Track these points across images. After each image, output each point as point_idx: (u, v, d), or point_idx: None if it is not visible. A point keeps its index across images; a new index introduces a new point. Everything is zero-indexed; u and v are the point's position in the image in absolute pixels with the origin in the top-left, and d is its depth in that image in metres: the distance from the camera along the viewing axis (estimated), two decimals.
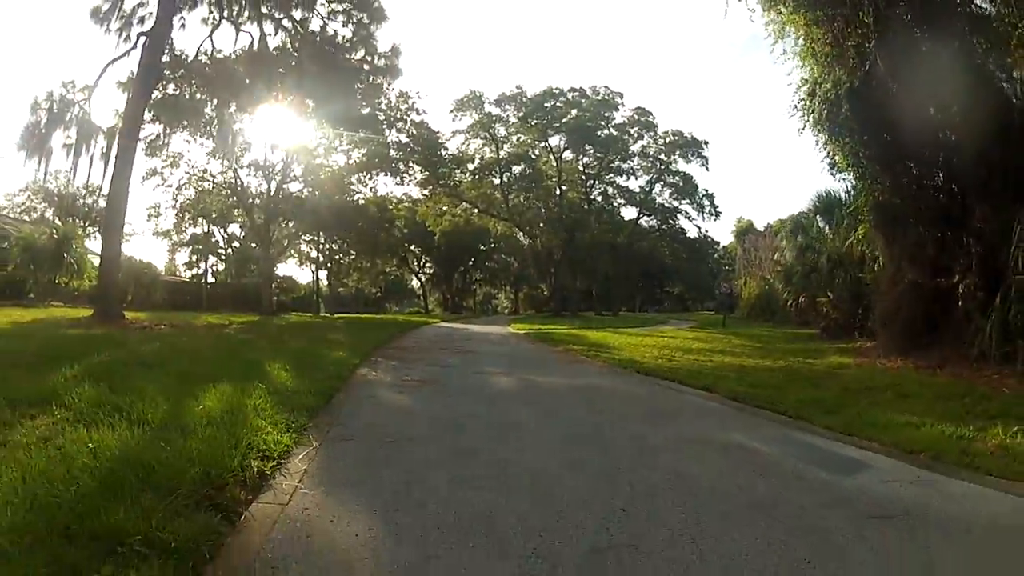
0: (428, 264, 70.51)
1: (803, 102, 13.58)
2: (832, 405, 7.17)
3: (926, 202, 12.60)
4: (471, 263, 70.88)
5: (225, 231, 49.08)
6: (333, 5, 25.47)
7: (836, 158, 13.81)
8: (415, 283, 77.94)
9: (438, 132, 39.68)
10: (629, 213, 57.17)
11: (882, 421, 6.23)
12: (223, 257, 52.14)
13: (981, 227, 11.11)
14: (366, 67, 29.04)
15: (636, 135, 50.41)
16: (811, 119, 13.37)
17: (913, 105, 11.49)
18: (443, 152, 40.84)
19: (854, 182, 15.03)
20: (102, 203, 47.20)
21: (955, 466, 4.84)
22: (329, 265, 49.16)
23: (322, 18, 25.80)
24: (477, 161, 48.91)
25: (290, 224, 39.97)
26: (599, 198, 55.20)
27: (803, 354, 13.80)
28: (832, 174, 16.84)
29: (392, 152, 35.94)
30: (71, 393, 5.89)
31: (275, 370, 8.49)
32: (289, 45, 25.16)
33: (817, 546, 3.19)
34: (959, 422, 6.12)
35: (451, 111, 47.72)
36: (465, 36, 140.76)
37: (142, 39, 21.41)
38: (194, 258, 52.88)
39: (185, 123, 28.17)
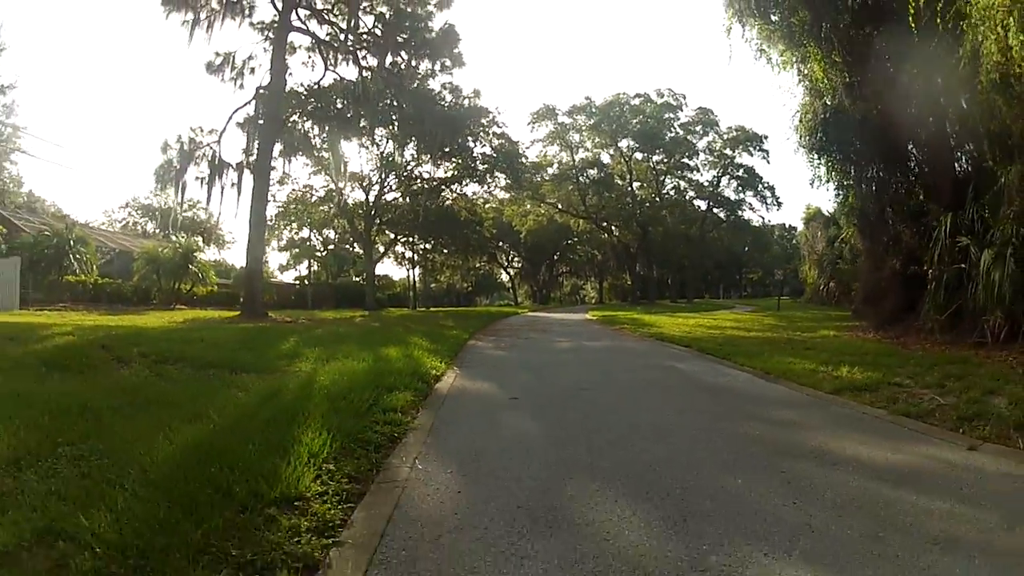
0: (516, 259, 74.93)
1: (796, 127, 17.28)
2: (758, 354, 10.99)
3: (898, 203, 15.40)
4: (556, 257, 74.95)
5: (320, 235, 52.38)
6: (417, 50, 29.53)
7: (820, 172, 17.24)
8: (504, 277, 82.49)
9: (518, 141, 43.60)
10: (701, 205, 60.16)
11: (776, 362, 9.88)
12: (320, 259, 55.26)
13: (935, 224, 13.08)
14: (449, 98, 34.34)
15: (701, 132, 53.54)
16: (800, 141, 17.11)
17: (879, 126, 14.39)
18: (523, 159, 44.65)
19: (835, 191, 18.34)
20: (201, 216, 53.63)
21: (785, 380, 8.57)
22: (423, 263, 53.31)
23: (410, 64, 30.11)
24: (555, 166, 52.97)
25: (386, 230, 45.23)
26: (672, 192, 58.42)
27: (808, 330, 16.83)
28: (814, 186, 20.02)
29: (478, 164, 40.55)
30: (302, 355, 10.28)
31: (416, 341, 13.29)
32: (383, 85, 29.51)
33: (680, 399, 7.61)
34: (830, 366, 8.94)
35: (528, 123, 51.88)
36: (536, 53, 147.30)
37: (258, 89, 26.10)
38: (291, 261, 56.01)
39: (300, 153, 33.75)
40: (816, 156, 16.81)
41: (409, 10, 27.10)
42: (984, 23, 7.51)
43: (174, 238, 39.37)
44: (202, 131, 28.76)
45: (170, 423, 4.73)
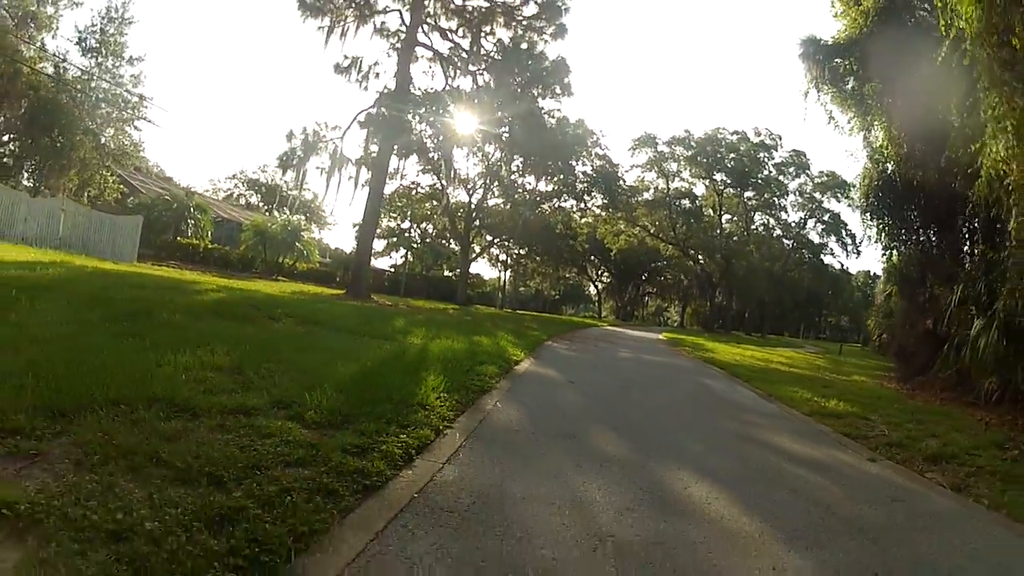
0: (605, 274, 76.80)
1: (857, 188, 18.85)
2: (775, 383, 12.80)
3: (935, 268, 16.28)
4: (644, 277, 76.45)
5: (419, 228, 54.53)
6: (531, 78, 32.01)
7: (871, 232, 18.52)
8: (592, 290, 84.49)
9: (618, 164, 45.82)
10: (787, 244, 60.82)
11: (784, 390, 11.54)
12: (416, 251, 57.08)
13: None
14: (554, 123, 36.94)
15: (793, 174, 54.16)
16: (858, 202, 18.65)
17: (928, 195, 15.74)
18: (622, 182, 46.82)
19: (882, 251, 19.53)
20: (307, 196, 56.68)
21: (779, 401, 10.36)
22: (515, 267, 56.32)
23: (525, 88, 32.48)
24: (651, 192, 54.58)
25: (484, 233, 48.06)
26: (760, 228, 59.32)
27: (844, 374, 17.88)
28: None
29: (578, 182, 42.91)
30: (412, 332, 12.91)
31: (502, 335, 15.74)
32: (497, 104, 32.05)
33: (690, 401, 9.87)
34: (826, 399, 10.33)
35: (629, 148, 53.44)
36: (639, 82, 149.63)
37: (381, 92, 29.03)
38: (387, 248, 56.92)
39: (415, 155, 36.84)
40: (869, 217, 18.25)
41: (526, 39, 29.68)
42: (989, 129, 9.20)
43: (284, 215, 43.18)
44: (326, 126, 32.28)
45: (334, 361, 7.25)
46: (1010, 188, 9.47)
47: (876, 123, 16.57)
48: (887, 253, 18.61)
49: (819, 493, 4.94)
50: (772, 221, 58.99)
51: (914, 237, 17.45)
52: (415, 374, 7.10)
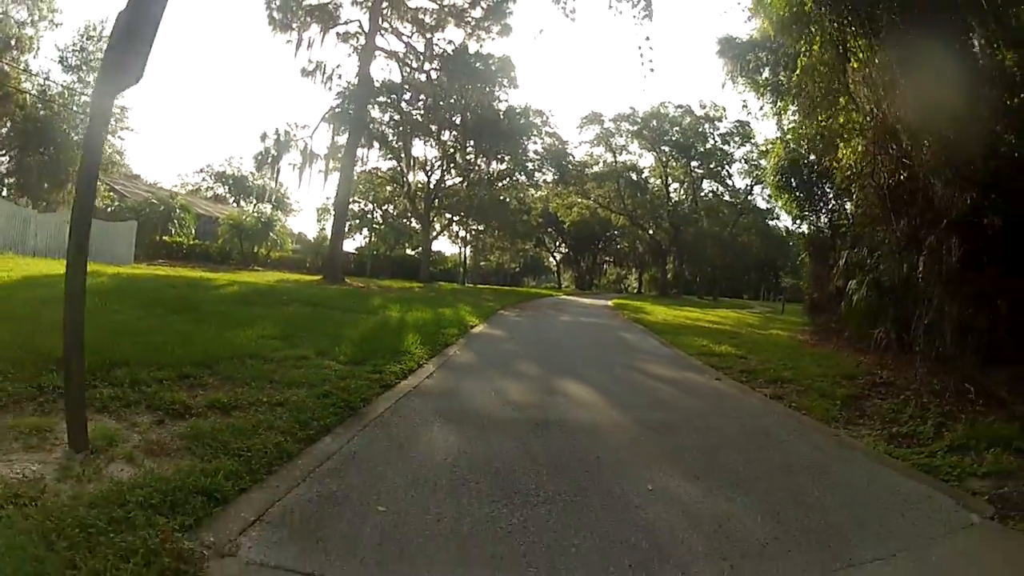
0: (562, 246, 79.96)
1: (768, 170, 22.24)
2: (684, 335, 15.78)
3: (843, 235, 18.36)
4: (600, 246, 79.81)
5: (381, 209, 56.44)
6: (480, 75, 35.22)
7: (781, 206, 22.00)
8: (551, 261, 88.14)
9: (567, 141, 49.08)
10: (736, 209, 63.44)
11: (687, 340, 14.38)
12: (378, 231, 58.84)
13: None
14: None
15: (738, 143, 56.87)
16: (769, 180, 22.04)
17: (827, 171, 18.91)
18: (571, 158, 50.18)
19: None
20: (271, 184, 58.84)
21: (676, 347, 13.45)
22: (474, 243, 58.75)
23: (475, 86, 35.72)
24: (600, 165, 57.66)
25: (444, 212, 50.97)
26: (709, 195, 62.58)
27: (764, 328, 20.91)
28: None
29: (529, 162, 46.12)
30: (389, 307, 16.21)
31: (462, 307, 18.91)
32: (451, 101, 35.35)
33: (603, 347, 13.24)
34: (722, 345, 12.74)
35: (577, 126, 56.86)
36: (584, 65, 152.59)
37: (344, 91, 32.22)
38: (350, 230, 57.26)
39: (376, 146, 39.74)
40: (779, 193, 21.59)
41: (476, 37, 32.65)
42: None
43: (255, 206, 45.59)
44: (296, 125, 35.19)
45: (342, 329, 10.38)
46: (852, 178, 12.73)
47: (789, 108, 18.80)
48: (798, 223, 21.89)
49: (657, 392, 8.19)
50: (720, 188, 61.88)
51: (828, 207, 20.10)
52: (399, 334, 10.28)
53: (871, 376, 9.21)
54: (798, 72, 11.92)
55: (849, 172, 12.43)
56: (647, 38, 23.95)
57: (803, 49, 11.22)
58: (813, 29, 10.70)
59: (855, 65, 10.29)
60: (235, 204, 57.74)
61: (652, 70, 33.33)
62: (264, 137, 35.30)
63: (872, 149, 10.79)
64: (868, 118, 10.74)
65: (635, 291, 78.05)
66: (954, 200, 8.70)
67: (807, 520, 3.78)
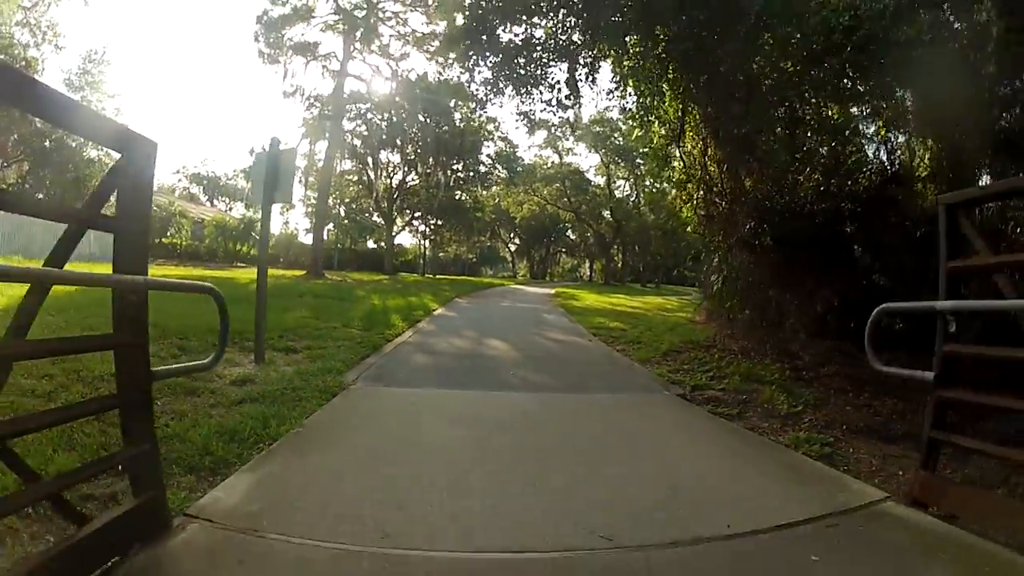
0: (515, 238, 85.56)
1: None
2: (592, 316, 21.52)
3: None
4: (552, 239, 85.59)
5: (344, 205, 60.81)
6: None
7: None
8: (507, 251, 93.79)
9: (517, 145, 54.81)
10: None
11: (591, 319, 20.12)
12: (343, 227, 63.34)
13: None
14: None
15: None
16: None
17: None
18: (521, 160, 55.82)
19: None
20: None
21: (580, 324, 19.13)
22: (433, 237, 64.16)
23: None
24: (548, 166, 63.27)
25: (406, 210, 56.27)
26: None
27: (675, 311, 27.00)
28: None
29: (482, 166, 51.56)
30: (371, 297, 21.53)
31: (425, 295, 24.30)
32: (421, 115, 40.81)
33: (524, 323, 18.69)
34: (617, 322, 19.27)
35: (527, 131, 61.71)
36: None
37: (320, 109, 37.45)
38: (313, 225, 62.01)
39: (347, 155, 44.84)
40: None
41: (435, 64, 37.92)
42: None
43: (232, 207, 50.36)
44: (279, 142, 39.84)
45: (348, 311, 15.69)
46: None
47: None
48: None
49: (545, 345, 13.63)
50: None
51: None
52: (386, 315, 15.65)
53: (714, 342, 12.12)
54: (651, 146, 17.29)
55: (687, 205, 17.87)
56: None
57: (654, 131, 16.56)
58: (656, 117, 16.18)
59: (686, 138, 15.81)
60: (208, 203, 62.13)
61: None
62: (252, 151, 40.34)
63: (698, 190, 16.35)
64: (695, 171, 16.30)
65: (587, 279, 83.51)
66: (739, 225, 14.19)
67: (580, 383, 9.17)
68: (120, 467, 3.47)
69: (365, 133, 42.32)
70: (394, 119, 39.96)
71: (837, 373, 8.64)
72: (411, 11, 35.70)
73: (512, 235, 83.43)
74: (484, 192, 58.85)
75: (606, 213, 63.84)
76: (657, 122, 15.42)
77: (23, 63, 35.41)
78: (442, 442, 5.47)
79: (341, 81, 35.70)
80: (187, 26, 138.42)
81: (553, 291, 40.38)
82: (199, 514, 3.51)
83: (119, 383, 3.19)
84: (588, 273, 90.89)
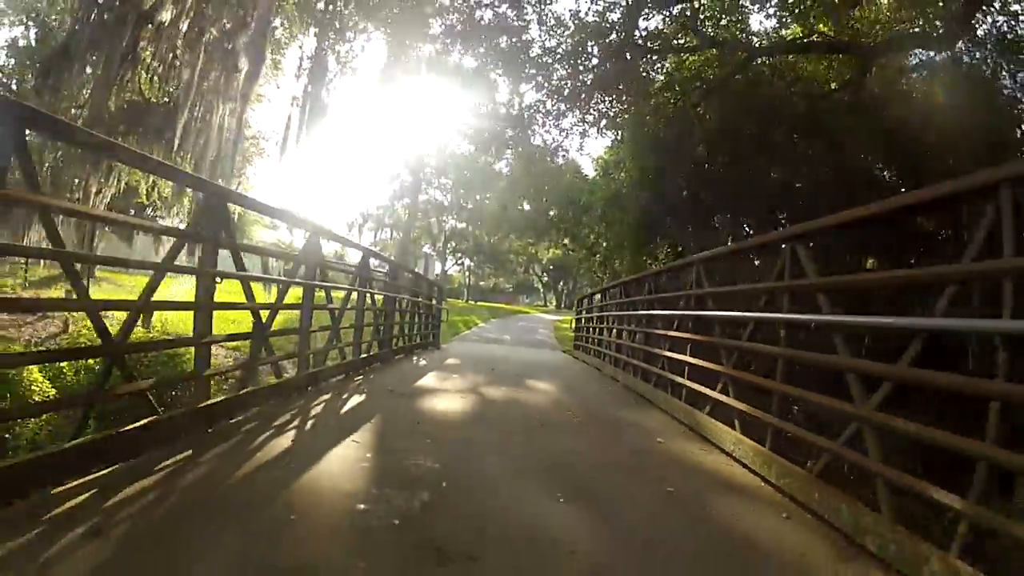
0: (544, 275, 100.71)
1: None
2: (566, 331, 37.13)
3: None
4: (574, 276, 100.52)
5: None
6: None
7: None
8: (539, 284, 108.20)
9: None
10: None
11: (560, 333, 35.91)
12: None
13: None
14: None
15: None
16: None
17: None
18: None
19: None
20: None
21: (552, 335, 34.71)
22: (476, 271, 79.59)
23: None
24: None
25: (456, 250, 72.33)
26: None
27: None
28: None
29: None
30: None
31: (472, 316, 40.02)
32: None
33: (529, 332, 34.42)
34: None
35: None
36: None
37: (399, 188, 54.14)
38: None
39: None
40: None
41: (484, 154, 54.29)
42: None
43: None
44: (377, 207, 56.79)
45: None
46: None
47: None
48: None
49: (530, 338, 29.22)
50: None
51: None
52: (454, 324, 31.46)
53: None
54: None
55: None
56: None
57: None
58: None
59: None
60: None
61: None
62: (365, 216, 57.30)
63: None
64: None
65: None
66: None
67: (535, 346, 24.73)
68: (432, 336, 19.34)
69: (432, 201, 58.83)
70: (451, 196, 56.64)
71: None
72: None
73: (542, 272, 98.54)
74: (517, 241, 74.57)
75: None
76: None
77: None
78: (490, 350, 20.68)
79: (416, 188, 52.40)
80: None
81: (560, 318, 54.12)
82: (446, 346, 19.46)
83: (432, 323, 19.11)
84: None
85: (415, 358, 14.21)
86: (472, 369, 12.50)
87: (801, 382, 5.19)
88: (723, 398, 6.37)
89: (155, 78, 19.11)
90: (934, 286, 3.95)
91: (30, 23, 25.28)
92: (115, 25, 16.37)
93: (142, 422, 4.44)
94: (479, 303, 66.73)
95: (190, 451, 4.52)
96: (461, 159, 50.80)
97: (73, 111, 18.24)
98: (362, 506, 3.72)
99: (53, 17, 23.87)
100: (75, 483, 3.61)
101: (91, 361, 8.25)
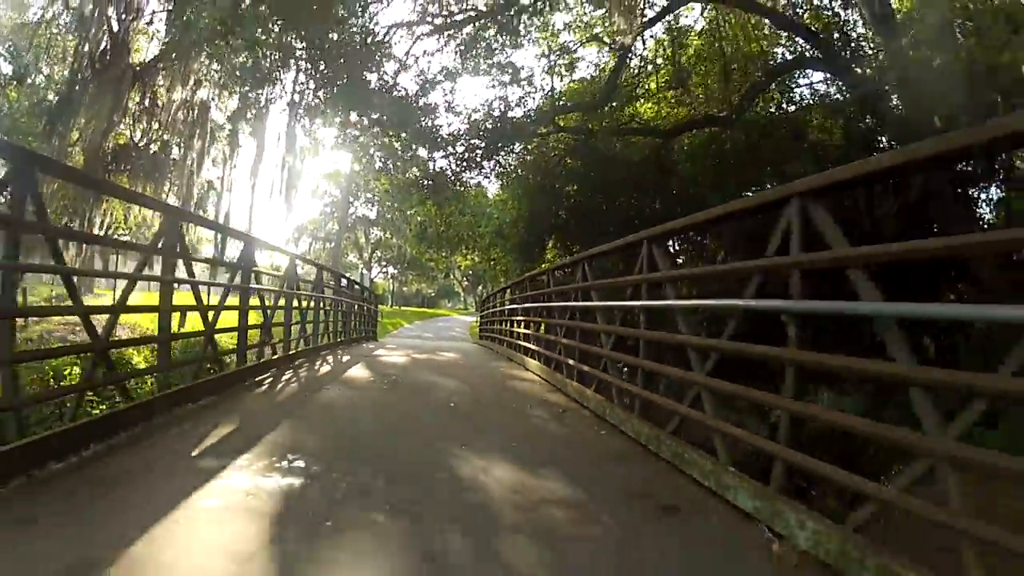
0: (464, 279, 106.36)
1: None
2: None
3: None
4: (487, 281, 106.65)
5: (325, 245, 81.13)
6: None
7: None
8: (460, 288, 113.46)
9: None
10: None
11: (473, 330, 42.16)
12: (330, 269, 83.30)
13: None
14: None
15: None
16: None
17: None
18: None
19: None
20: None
21: (467, 331, 40.92)
22: (399, 278, 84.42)
23: None
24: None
25: (380, 258, 77.77)
26: None
27: None
28: None
29: None
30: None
31: (398, 319, 45.99)
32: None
33: (449, 331, 40.68)
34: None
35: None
36: None
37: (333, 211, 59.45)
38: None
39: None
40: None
41: None
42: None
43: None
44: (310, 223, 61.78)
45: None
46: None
47: None
48: None
49: (449, 333, 35.31)
50: None
51: None
52: (385, 326, 37.27)
53: None
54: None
55: None
56: None
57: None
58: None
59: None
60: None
61: None
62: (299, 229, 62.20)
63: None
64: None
65: None
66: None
67: (451, 339, 30.60)
68: (369, 333, 25.29)
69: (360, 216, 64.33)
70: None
71: None
72: None
73: (462, 277, 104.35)
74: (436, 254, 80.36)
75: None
76: None
77: None
78: (413, 341, 26.50)
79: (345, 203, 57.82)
80: None
81: (477, 319, 61.33)
82: (381, 339, 25.49)
83: (370, 323, 25.08)
84: None
85: (363, 344, 20.01)
86: (404, 348, 18.43)
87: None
88: (531, 345, 12.83)
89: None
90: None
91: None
92: (111, 82, 20.26)
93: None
94: (404, 308, 72.44)
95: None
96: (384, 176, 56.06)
97: (70, 149, 22.53)
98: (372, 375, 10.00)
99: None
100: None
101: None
